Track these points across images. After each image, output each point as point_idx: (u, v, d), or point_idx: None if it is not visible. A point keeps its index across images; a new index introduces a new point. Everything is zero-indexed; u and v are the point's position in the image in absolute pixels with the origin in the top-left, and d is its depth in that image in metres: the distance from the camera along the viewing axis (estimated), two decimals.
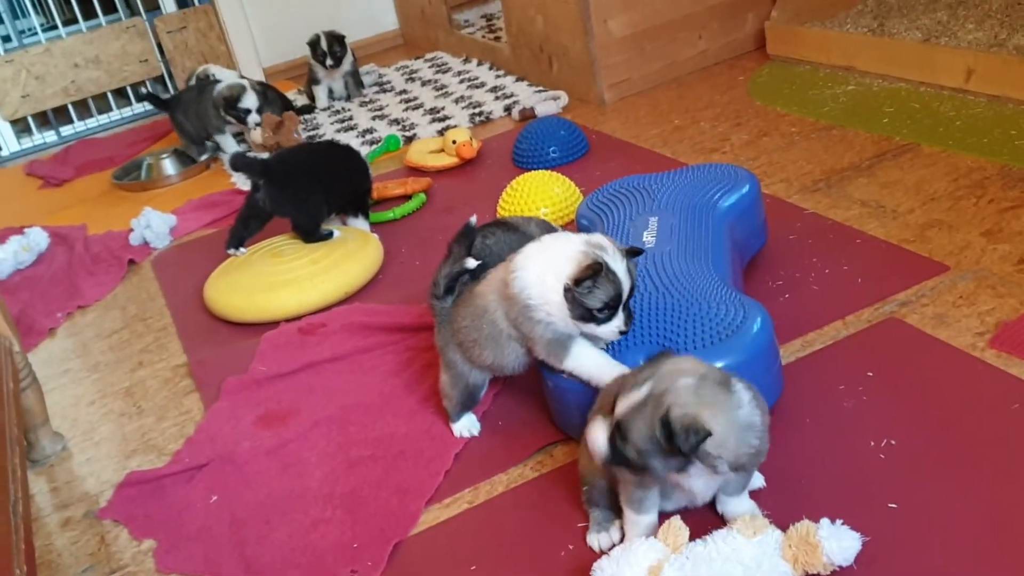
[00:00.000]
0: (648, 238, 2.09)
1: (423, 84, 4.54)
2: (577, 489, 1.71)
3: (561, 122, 3.36)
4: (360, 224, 3.01)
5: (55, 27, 5.13)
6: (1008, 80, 2.91)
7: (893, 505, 1.57)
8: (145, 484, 2.09)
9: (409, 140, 3.82)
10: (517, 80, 4.21)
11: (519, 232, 2.05)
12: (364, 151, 3.71)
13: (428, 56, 5.00)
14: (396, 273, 2.80)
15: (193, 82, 4.45)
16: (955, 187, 2.53)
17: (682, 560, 1.44)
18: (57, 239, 3.56)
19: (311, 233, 2.84)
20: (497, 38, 4.72)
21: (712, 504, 1.60)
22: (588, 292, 1.66)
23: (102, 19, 5.11)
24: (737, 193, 2.24)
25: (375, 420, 2.11)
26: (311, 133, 4.18)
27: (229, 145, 4.05)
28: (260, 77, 5.01)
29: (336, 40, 4.37)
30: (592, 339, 1.75)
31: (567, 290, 1.67)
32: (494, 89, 4.18)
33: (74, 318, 3.02)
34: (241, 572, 1.77)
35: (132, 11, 5.20)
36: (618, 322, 1.69)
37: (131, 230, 3.44)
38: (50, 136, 5.12)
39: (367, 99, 4.51)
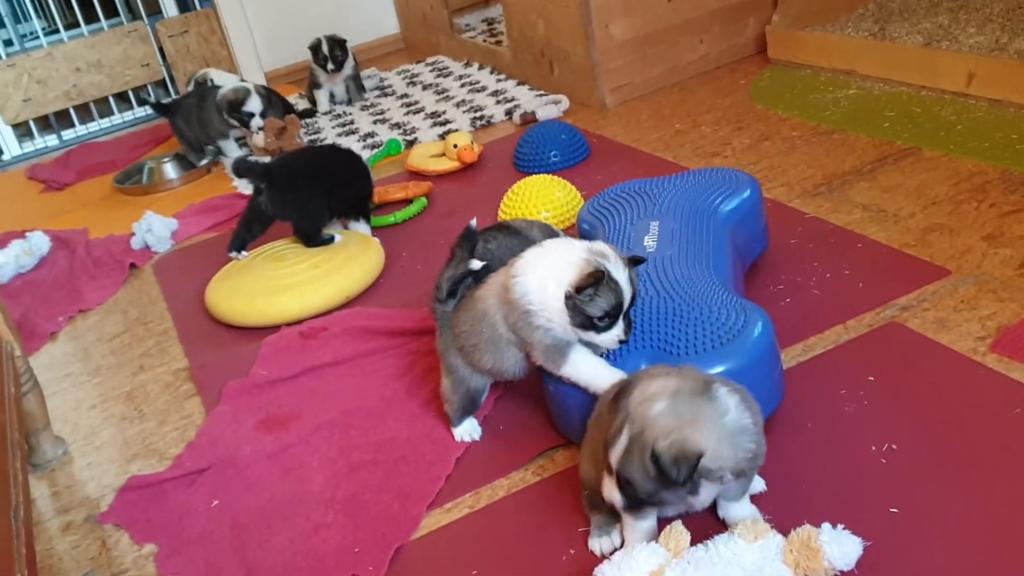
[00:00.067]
0: (649, 242, 2.09)
1: (424, 88, 4.54)
2: (578, 493, 1.71)
3: (562, 126, 3.36)
4: (361, 228, 3.01)
5: (57, 31, 5.14)
6: (1009, 84, 2.91)
7: (894, 510, 1.57)
8: (146, 488, 2.09)
9: (410, 144, 3.83)
10: (518, 84, 4.22)
11: (521, 236, 2.05)
12: (365, 155, 3.71)
13: (429, 60, 5.01)
14: (397, 277, 2.80)
15: (191, 86, 4.46)
16: (956, 191, 2.53)
17: (683, 565, 1.44)
18: (59, 243, 3.57)
19: (312, 237, 2.85)
20: (498, 42, 4.73)
21: (713, 508, 1.60)
22: (589, 300, 1.66)
23: (104, 23, 5.12)
24: (738, 197, 2.24)
25: (376, 424, 2.11)
26: (312, 137, 4.18)
27: (232, 150, 4.05)
28: (261, 81, 5.02)
29: (337, 44, 4.37)
30: (591, 346, 1.75)
31: (568, 297, 1.67)
32: (495, 93, 4.18)
33: (75, 322, 3.02)
34: None
35: (134, 15, 5.20)
36: (618, 331, 1.69)
37: (132, 234, 3.44)
38: (52, 140, 5.13)
39: (368, 103, 4.51)
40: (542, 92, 4.03)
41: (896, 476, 1.64)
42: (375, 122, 4.21)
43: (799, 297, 2.22)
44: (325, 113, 4.50)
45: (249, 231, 2.95)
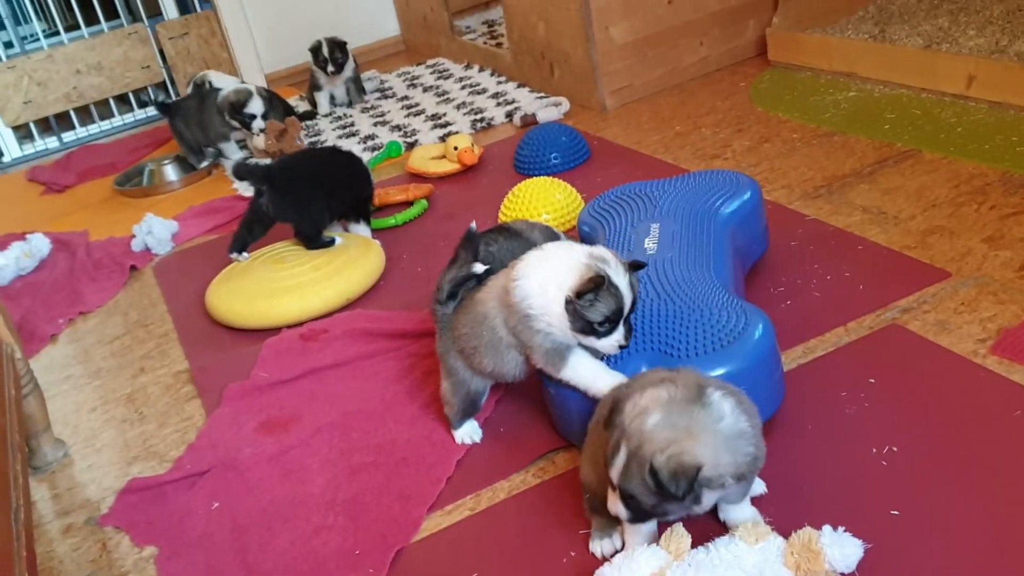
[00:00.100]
0: (650, 244, 2.09)
1: (425, 90, 4.55)
2: (579, 496, 1.71)
3: (562, 128, 3.36)
4: (362, 230, 3.01)
5: (57, 33, 5.14)
6: (1009, 86, 2.91)
7: (895, 512, 1.57)
8: (147, 491, 2.09)
9: (411, 146, 3.83)
10: (519, 86, 4.22)
11: (522, 238, 2.05)
12: (366, 157, 3.72)
13: (430, 62, 5.01)
14: (398, 279, 2.80)
15: (190, 88, 4.47)
16: (956, 193, 2.53)
17: (684, 567, 1.44)
18: (59, 245, 3.57)
19: (313, 239, 2.85)
20: (499, 44, 4.73)
21: (714, 511, 1.60)
22: (589, 305, 1.66)
23: (104, 25, 5.13)
24: (739, 199, 2.24)
25: (377, 426, 2.11)
26: (313, 139, 4.18)
27: (232, 152, 4.05)
28: (262, 83, 5.02)
29: (337, 47, 4.38)
30: (591, 350, 1.75)
31: (568, 302, 1.67)
32: (496, 95, 4.18)
33: (76, 324, 3.02)
34: None
35: (134, 17, 5.21)
36: (618, 336, 1.69)
37: (133, 236, 3.44)
38: (52, 142, 5.13)
39: (369, 105, 4.52)
40: (542, 94, 4.03)
41: (897, 478, 1.64)
42: (375, 124, 4.21)
43: (799, 299, 2.22)
44: (325, 115, 4.50)
45: (250, 232, 2.95)
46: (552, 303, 1.69)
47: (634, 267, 1.72)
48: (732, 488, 1.47)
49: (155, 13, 5.22)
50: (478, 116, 3.96)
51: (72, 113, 5.13)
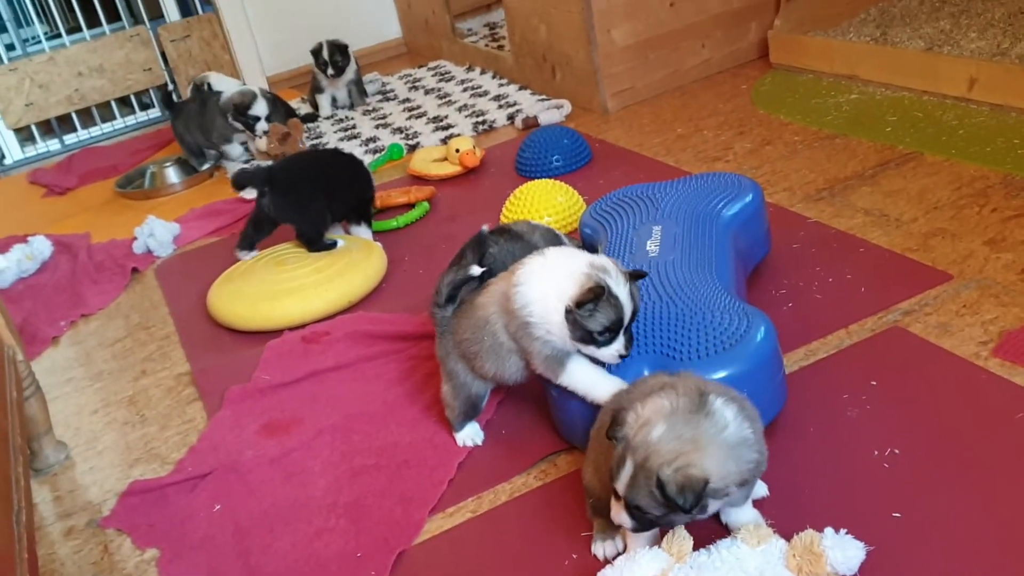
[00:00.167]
0: (652, 247, 2.09)
1: (426, 93, 4.55)
2: (580, 498, 1.71)
3: (564, 131, 3.36)
4: (363, 232, 3.01)
5: (59, 35, 5.15)
6: (1011, 89, 2.91)
7: (897, 514, 1.57)
8: (148, 493, 2.08)
9: (412, 149, 3.83)
10: (520, 89, 4.22)
11: (523, 240, 2.05)
12: (367, 160, 3.72)
13: (431, 65, 5.01)
14: (399, 282, 2.80)
15: (190, 89, 4.47)
16: (958, 196, 2.53)
17: (686, 570, 1.44)
18: (61, 247, 3.57)
19: (314, 242, 2.85)
20: (500, 47, 4.73)
21: (716, 513, 1.60)
22: (589, 315, 1.66)
23: (106, 28, 5.13)
24: (741, 202, 2.24)
25: (379, 429, 2.11)
26: (315, 141, 4.19)
27: (236, 153, 4.05)
28: (264, 85, 5.02)
29: (338, 49, 4.38)
30: (591, 357, 1.75)
31: (568, 312, 1.67)
32: (497, 98, 4.18)
33: (77, 327, 3.02)
34: None
35: (136, 20, 5.22)
36: (618, 346, 1.69)
37: (134, 238, 3.44)
38: (54, 144, 5.14)
39: (370, 108, 4.52)
40: (544, 97, 4.03)
41: (898, 481, 1.64)
42: (377, 126, 4.21)
43: (801, 302, 2.22)
44: (327, 117, 4.51)
45: (257, 231, 2.96)
46: (552, 312, 1.70)
47: (635, 276, 1.72)
48: (735, 493, 1.47)
49: (157, 15, 5.22)
50: (480, 118, 3.96)
51: (74, 115, 5.13)
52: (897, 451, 1.70)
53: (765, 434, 1.49)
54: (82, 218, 3.95)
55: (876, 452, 1.71)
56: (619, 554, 1.58)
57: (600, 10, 3.57)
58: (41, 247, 3.49)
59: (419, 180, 3.51)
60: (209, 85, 4.34)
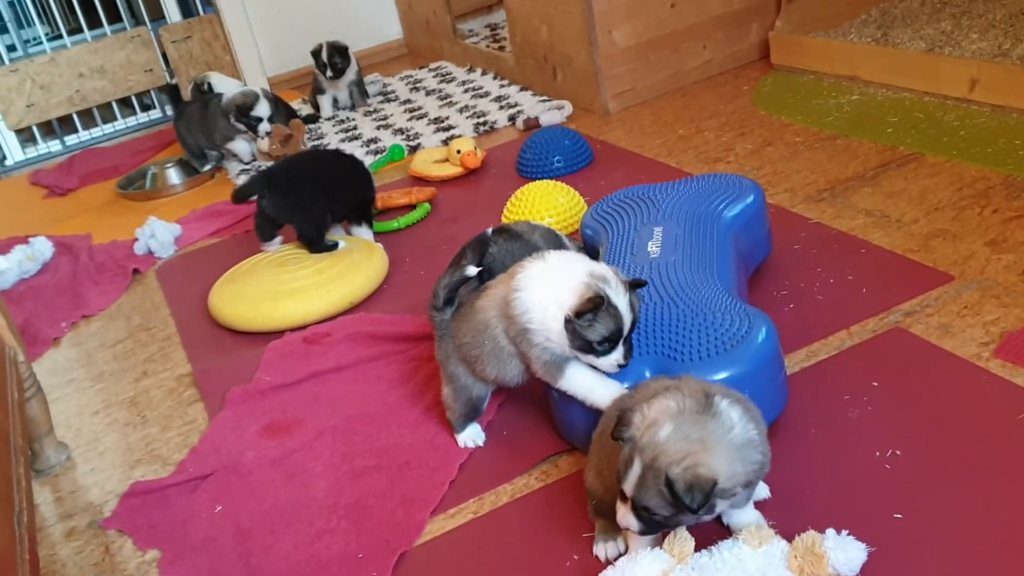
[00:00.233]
0: (653, 248, 2.09)
1: (427, 94, 4.55)
2: (582, 499, 1.71)
3: (565, 132, 3.36)
4: (364, 233, 3.01)
5: (60, 37, 5.15)
6: (1012, 90, 2.91)
7: (898, 515, 1.57)
8: (149, 494, 2.09)
9: (413, 150, 3.83)
10: (521, 90, 4.22)
11: (522, 240, 2.05)
12: (368, 161, 3.72)
13: (432, 66, 5.01)
14: (401, 283, 2.80)
15: (191, 88, 4.47)
16: (959, 197, 2.53)
17: (688, 571, 1.44)
18: (62, 248, 3.57)
19: (315, 242, 2.85)
20: (501, 48, 4.73)
21: (717, 514, 1.60)
22: (588, 325, 1.66)
23: (107, 29, 5.13)
24: (742, 203, 2.24)
25: (380, 430, 2.11)
26: (316, 142, 4.19)
27: (243, 151, 4.04)
28: (265, 86, 5.01)
29: (338, 51, 4.38)
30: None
31: (568, 321, 1.67)
32: (498, 99, 4.18)
33: (79, 328, 3.02)
34: None
35: (137, 21, 5.22)
36: (617, 355, 1.69)
37: (136, 239, 3.44)
38: (55, 145, 5.14)
39: (371, 109, 4.52)
40: (545, 97, 4.04)
41: (900, 482, 1.64)
42: (378, 127, 4.21)
43: (802, 303, 2.22)
44: (328, 118, 4.51)
45: (267, 221, 2.95)
46: (551, 320, 1.70)
47: (634, 285, 1.72)
48: (739, 494, 1.47)
49: (158, 16, 5.23)
50: (481, 119, 3.96)
51: (75, 116, 5.13)
52: (898, 452, 1.70)
53: (766, 435, 1.49)
54: (83, 219, 3.95)
55: (877, 453, 1.71)
56: (621, 555, 1.58)
57: (601, 11, 3.57)
58: (42, 248, 3.50)
59: (420, 181, 3.51)
60: (209, 85, 4.34)
